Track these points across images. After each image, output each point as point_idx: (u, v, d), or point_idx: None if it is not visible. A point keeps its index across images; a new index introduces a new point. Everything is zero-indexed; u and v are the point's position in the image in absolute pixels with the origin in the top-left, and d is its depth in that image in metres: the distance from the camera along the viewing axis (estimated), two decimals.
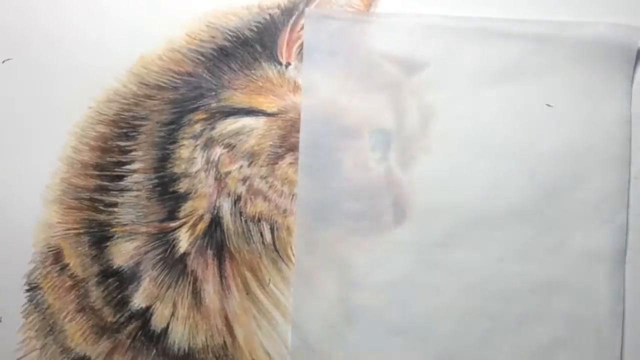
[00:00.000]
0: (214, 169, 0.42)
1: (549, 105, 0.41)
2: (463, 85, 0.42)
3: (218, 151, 0.42)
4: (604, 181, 0.41)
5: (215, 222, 0.41)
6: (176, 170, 0.42)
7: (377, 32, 0.42)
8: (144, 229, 0.41)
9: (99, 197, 0.42)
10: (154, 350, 0.41)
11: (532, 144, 0.41)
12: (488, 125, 0.41)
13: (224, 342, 0.41)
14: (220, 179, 0.42)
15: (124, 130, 0.42)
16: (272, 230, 0.41)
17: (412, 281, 0.41)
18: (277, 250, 0.41)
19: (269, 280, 0.41)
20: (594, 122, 0.41)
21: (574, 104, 0.41)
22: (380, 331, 0.40)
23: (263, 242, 0.41)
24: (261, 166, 0.42)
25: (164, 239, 0.41)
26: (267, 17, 0.43)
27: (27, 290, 0.41)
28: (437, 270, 0.40)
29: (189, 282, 0.41)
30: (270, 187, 0.42)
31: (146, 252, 0.41)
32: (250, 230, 0.41)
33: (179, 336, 0.41)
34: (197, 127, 0.42)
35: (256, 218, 0.41)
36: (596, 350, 0.39)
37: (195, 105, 0.42)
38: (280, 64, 0.43)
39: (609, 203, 0.41)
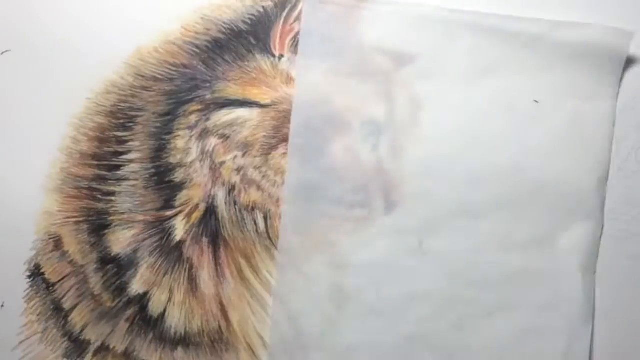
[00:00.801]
0: (209, 159, 0.43)
1: (535, 102, 0.42)
2: (453, 78, 0.43)
3: (213, 142, 0.43)
4: (585, 179, 0.42)
5: (210, 211, 0.42)
6: (172, 160, 0.43)
7: (370, 21, 0.43)
8: (141, 218, 0.43)
9: (97, 187, 0.43)
10: (152, 334, 0.42)
11: (518, 138, 0.42)
12: (476, 118, 0.42)
13: (219, 326, 0.42)
14: (215, 169, 0.43)
15: (121, 121, 0.43)
16: (265, 219, 0.42)
17: (394, 265, 0.42)
18: (270, 238, 0.42)
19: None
20: (579, 121, 0.42)
21: (561, 102, 0.42)
22: (364, 312, 0.42)
23: (257, 231, 0.43)
24: (255, 156, 0.43)
25: (160, 227, 0.43)
26: (261, 9, 0.44)
27: (29, 277, 0.43)
28: (419, 256, 0.42)
29: (185, 269, 0.42)
30: (263, 177, 0.43)
31: (143, 240, 0.43)
32: (244, 219, 0.42)
33: (175, 321, 0.42)
34: (192, 118, 0.43)
35: (250, 207, 0.42)
36: (567, 340, 0.41)
37: (191, 97, 0.43)
38: (274, 56, 0.44)
39: (589, 200, 0.42)
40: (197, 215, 0.42)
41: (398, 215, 0.42)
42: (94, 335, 0.42)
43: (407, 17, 0.43)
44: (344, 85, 0.43)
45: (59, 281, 0.42)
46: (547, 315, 0.41)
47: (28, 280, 0.43)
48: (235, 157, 0.43)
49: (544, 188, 0.42)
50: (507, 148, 0.42)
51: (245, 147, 0.43)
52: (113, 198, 0.43)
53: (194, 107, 0.43)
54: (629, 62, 0.42)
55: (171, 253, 0.42)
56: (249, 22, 0.44)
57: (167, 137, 0.43)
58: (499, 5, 0.43)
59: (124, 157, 0.43)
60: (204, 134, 0.43)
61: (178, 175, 0.43)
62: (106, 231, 0.43)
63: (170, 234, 0.42)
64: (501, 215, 0.42)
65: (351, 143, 0.43)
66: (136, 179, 0.43)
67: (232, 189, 0.43)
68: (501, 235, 0.41)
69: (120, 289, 0.42)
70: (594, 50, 0.42)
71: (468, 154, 0.42)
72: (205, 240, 0.42)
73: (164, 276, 0.42)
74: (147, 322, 0.42)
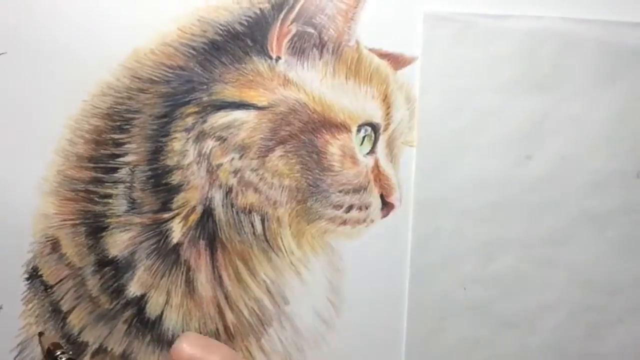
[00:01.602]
0: (206, 162, 0.43)
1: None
2: (450, 80, 0.43)
3: (210, 144, 0.43)
4: None
5: (208, 214, 0.43)
6: (169, 162, 0.43)
7: (367, 25, 0.43)
8: (138, 220, 0.43)
9: (94, 189, 0.43)
10: (149, 336, 0.42)
11: (521, 139, 0.42)
12: (473, 121, 0.42)
13: (217, 328, 0.42)
14: (212, 171, 0.43)
15: (118, 124, 0.43)
16: (262, 221, 0.43)
17: (396, 270, 0.42)
18: (267, 241, 0.43)
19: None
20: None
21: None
22: (370, 316, 0.42)
23: (254, 233, 0.43)
24: (252, 159, 0.43)
25: (157, 230, 0.43)
26: (258, 11, 0.44)
27: (27, 279, 0.43)
28: (422, 259, 0.42)
29: (182, 272, 0.42)
30: (261, 179, 0.43)
31: (141, 242, 0.43)
32: (241, 221, 0.43)
33: (172, 323, 0.42)
34: (189, 120, 0.43)
35: (247, 209, 0.43)
36: None
37: (187, 99, 0.43)
38: (271, 57, 0.43)
39: None
40: (194, 217, 0.42)
41: (401, 220, 0.42)
42: (92, 337, 0.42)
43: (404, 22, 0.43)
44: (340, 90, 0.43)
45: (57, 283, 0.42)
46: None
47: (26, 282, 0.43)
48: (232, 159, 0.43)
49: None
50: (510, 149, 0.42)
51: (242, 150, 0.43)
52: (110, 200, 0.43)
53: (190, 109, 0.43)
54: None
55: (168, 255, 0.42)
56: (245, 23, 0.43)
57: (163, 139, 0.43)
58: (491, 5, 0.43)
59: (121, 159, 0.43)
60: (201, 136, 0.43)
61: (175, 178, 0.43)
62: (103, 234, 0.43)
63: (167, 237, 0.42)
64: (505, 216, 0.42)
65: (349, 149, 0.43)
66: (133, 182, 0.43)
67: (229, 192, 0.43)
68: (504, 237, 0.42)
69: (117, 291, 0.42)
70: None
71: (465, 158, 0.42)
72: (202, 242, 0.42)
73: (161, 278, 0.42)
74: (145, 324, 0.42)
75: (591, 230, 0.41)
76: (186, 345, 0.35)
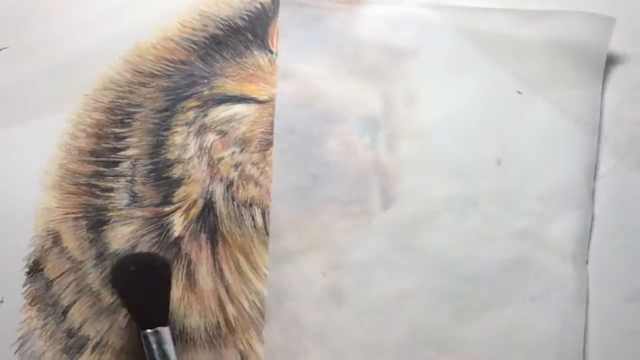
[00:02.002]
0: (207, 155, 0.43)
1: (519, 92, 0.42)
2: (445, 72, 0.43)
3: (211, 138, 0.43)
4: (573, 168, 0.42)
5: (209, 207, 0.43)
6: (170, 156, 0.43)
7: (361, 19, 0.43)
8: (139, 214, 0.43)
9: (96, 183, 0.43)
10: None
11: (505, 130, 0.42)
12: (469, 111, 0.43)
13: (217, 322, 0.42)
14: (213, 165, 0.43)
15: (119, 118, 0.43)
16: (263, 214, 0.43)
17: (390, 262, 0.42)
18: (268, 234, 0.43)
19: None
20: (563, 109, 0.42)
21: (545, 92, 0.42)
22: (364, 310, 0.42)
23: (255, 226, 0.43)
24: (253, 152, 0.43)
25: (158, 223, 0.43)
26: (259, 5, 0.44)
27: (28, 273, 0.43)
28: (414, 252, 0.42)
29: (183, 265, 0.42)
30: (261, 172, 0.43)
31: (142, 236, 0.43)
32: (242, 215, 0.43)
33: (174, 316, 0.42)
34: (190, 115, 0.43)
35: (248, 203, 0.43)
36: (561, 332, 0.41)
37: (188, 93, 0.43)
38: (271, 52, 0.44)
39: (578, 189, 0.42)
40: (195, 211, 0.42)
41: (399, 212, 0.42)
42: (92, 331, 0.42)
43: (397, 15, 0.43)
44: (338, 83, 0.43)
45: (58, 277, 0.43)
46: (540, 306, 0.41)
47: (27, 276, 0.43)
48: (233, 153, 0.43)
49: (532, 179, 0.42)
50: (493, 140, 0.42)
51: (243, 143, 0.43)
52: (111, 194, 0.43)
53: (191, 103, 0.43)
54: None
55: (169, 249, 0.42)
56: (246, 18, 0.44)
57: (165, 133, 0.43)
58: None
59: (122, 153, 0.43)
60: (202, 130, 0.43)
61: (176, 172, 0.43)
62: (104, 227, 0.43)
63: (168, 230, 0.43)
64: (491, 208, 0.42)
65: (348, 142, 0.43)
66: (134, 175, 0.43)
67: (230, 185, 0.43)
68: (493, 228, 0.42)
69: None
70: (575, 38, 0.42)
71: (455, 148, 0.42)
72: (203, 236, 0.42)
73: None
74: None
75: (455, 217, 0.42)
76: None
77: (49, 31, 0.44)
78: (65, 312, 0.42)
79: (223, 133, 0.43)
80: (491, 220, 0.42)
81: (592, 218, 0.42)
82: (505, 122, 0.42)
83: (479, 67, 0.43)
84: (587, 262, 0.41)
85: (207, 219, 0.43)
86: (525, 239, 0.42)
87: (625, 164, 0.42)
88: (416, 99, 0.43)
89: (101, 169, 0.43)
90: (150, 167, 0.43)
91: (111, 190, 0.43)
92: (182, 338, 0.42)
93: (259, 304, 0.42)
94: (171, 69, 0.43)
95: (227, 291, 0.42)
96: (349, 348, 0.41)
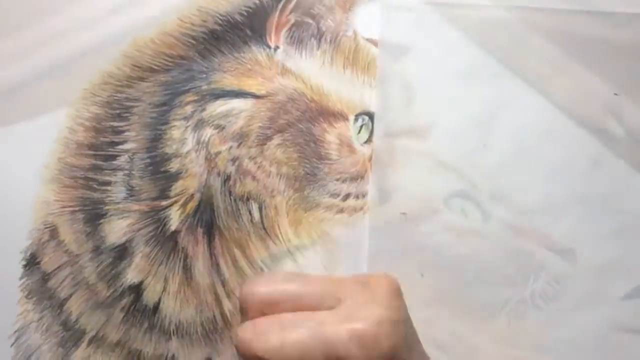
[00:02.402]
0: (205, 150, 0.43)
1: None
2: (444, 71, 0.43)
3: (208, 132, 0.43)
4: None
5: (206, 201, 0.43)
6: (167, 150, 0.43)
7: (361, 15, 0.44)
8: (136, 207, 0.43)
9: (93, 176, 0.43)
10: (146, 324, 0.42)
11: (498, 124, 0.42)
12: (466, 110, 0.43)
13: (214, 316, 0.42)
14: (210, 159, 0.43)
15: (117, 112, 0.44)
16: (260, 209, 0.43)
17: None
18: (264, 229, 0.43)
19: None
20: None
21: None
22: None
23: (252, 221, 0.43)
24: (250, 147, 0.43)
25: (155, 217, 0.43)
26: (257, 1, 0.44)
27: (24, 266, 0.43)
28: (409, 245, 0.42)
29: (180, 259, 0.42)
30: (258, 167, 0.43)
31: (138, 230, 0.43)
32: (239, 209, 0.43)
33: (170, 310, 0.42)
34: (188, 109, 0.43)
35: (245, 197, 0.43)
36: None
37: (187, 88, 0.43)
38: (269, 47, 0.44)
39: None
40: (192, 205, 0.43)
41: (396, 207, 0.42)
42: (89, 325, 0.42)
43: (399, 12, 0.43)
44: (337, 79, 0.43)
45: (55, 270, 0.43)
46: None
47: (24, 269, 0.43)
48: (231, 147, 0.43)
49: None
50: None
51: (241, 138, 0.43)
52: (108, 188, 0.43)
53: (189, 97, 0.43)
54: None
55: (166, 243, 0.43)
56: (245, 13, 0.44)
57: (163, 127, 0.43)
58: None
59: (120, 147, 0.43)
60: (200, 125, 0.43)
61: (173, 166, 0.43)
62: (101, 221, 0.43)
63: (165, 224, 0.43)
64: (491, 207, 0.42)
65: (346, 138, 0.43)
66: (131, 169, 0.43)
67: (227, 179, 0.43)
68: (493, 225, 0.42)
69: (115, 279, 0.43)
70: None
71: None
72: (200, 230, 0.43)
73: (158, 266, 0.42)
74: (142, 312, 0.42)
75: (454, 214, 0.41)
76: (254, 285, 0.32)
77: (48, 26, 0.44)
78: (61, 306, 0.42)
79: (221, 127, 0.43)
80: (491, 218, 0.42)
81: None
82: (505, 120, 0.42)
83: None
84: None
85: (204, 213, 0.43)
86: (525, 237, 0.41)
87: None
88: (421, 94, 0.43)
89: (99, 162, 0.43)
90: (148, 161, 0.43)
91: (109, 183, 0.43)
92: (178, 332, 0.42)
93: None
94: (170, 63, 0.44)
95: (224, 285, 0.42)
96: None
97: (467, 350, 0.40)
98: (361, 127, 0.43)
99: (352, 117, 0.43)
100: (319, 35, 0.44)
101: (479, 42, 0.43)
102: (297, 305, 0.31)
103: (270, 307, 0.31)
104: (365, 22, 0.44)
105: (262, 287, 0.32)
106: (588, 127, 0.42)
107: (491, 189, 0.42)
